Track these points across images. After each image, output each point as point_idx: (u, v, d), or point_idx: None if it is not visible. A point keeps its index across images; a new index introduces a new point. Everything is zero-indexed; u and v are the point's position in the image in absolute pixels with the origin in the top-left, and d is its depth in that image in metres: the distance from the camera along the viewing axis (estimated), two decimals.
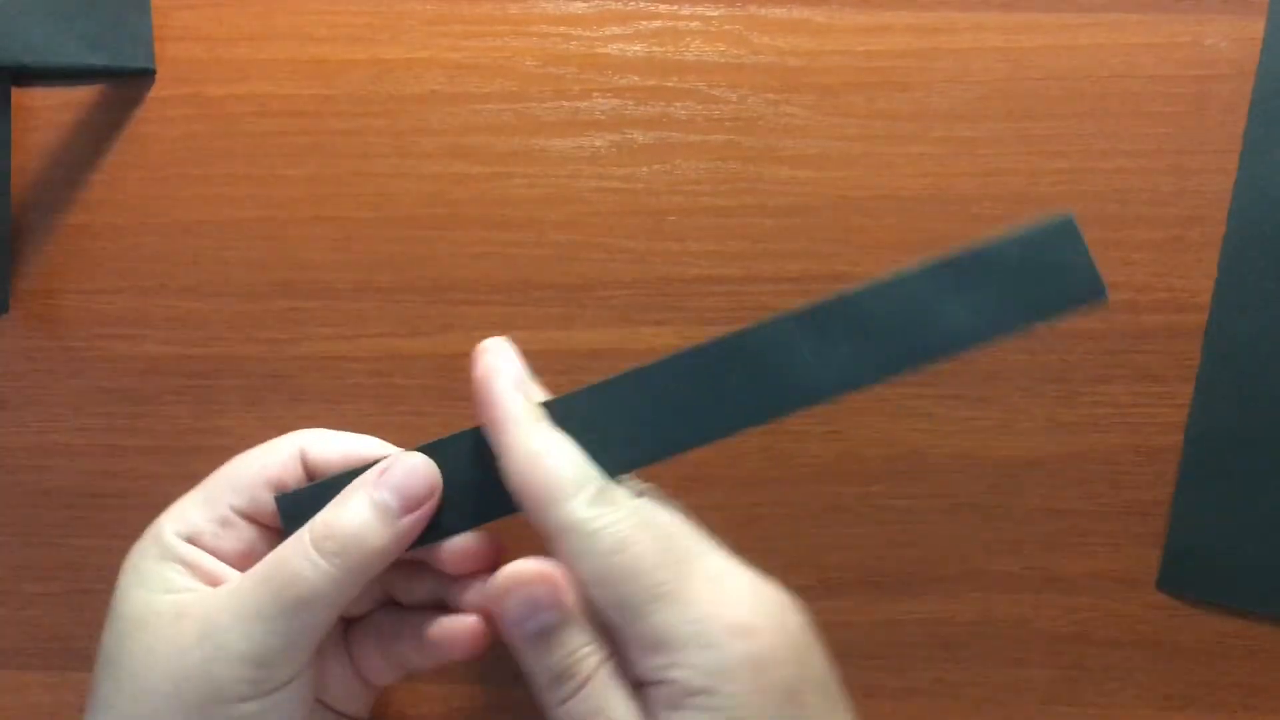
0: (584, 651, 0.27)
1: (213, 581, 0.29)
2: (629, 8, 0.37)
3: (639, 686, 0.26)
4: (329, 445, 0.31)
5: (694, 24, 0.37)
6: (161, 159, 0.37)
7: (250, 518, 0.30)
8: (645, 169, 0.37)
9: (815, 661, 0.27)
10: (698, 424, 0.28)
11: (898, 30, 0.36)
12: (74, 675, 0.37)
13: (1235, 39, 0.36)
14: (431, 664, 0.31)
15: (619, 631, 0.27)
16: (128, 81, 0.37)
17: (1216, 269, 0.36)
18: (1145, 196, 0.36)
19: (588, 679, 0.26)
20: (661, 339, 0.36)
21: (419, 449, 0.30)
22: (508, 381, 0.29)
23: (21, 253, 0.37)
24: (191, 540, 0.29)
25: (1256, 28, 0.36)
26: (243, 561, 0.30)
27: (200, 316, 0.37)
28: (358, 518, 0.28)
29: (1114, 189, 0.36)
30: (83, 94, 0.37)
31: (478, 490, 0.29)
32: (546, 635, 0.27)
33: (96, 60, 0.35)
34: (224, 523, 0.30)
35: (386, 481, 0.29)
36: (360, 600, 0.31)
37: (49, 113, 0.37)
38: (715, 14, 0.37)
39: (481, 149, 0.37)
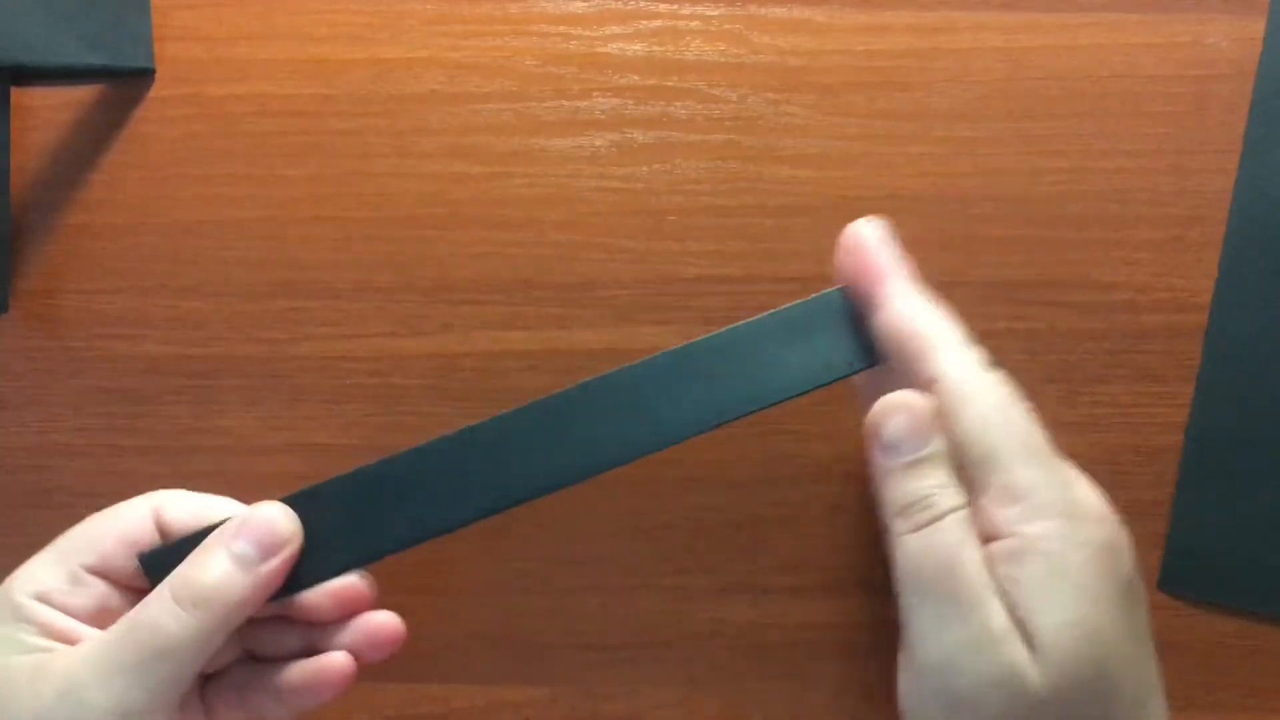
0: (948, 490, 0.27)
1: (68, 640, 0.29)
2: (629, 7, 0.37)
3: (984, 541, 0.27)
4: (182, 505, 0.31)
5: (694, 23, 0.37)
6: (161, 159, 0.37)
7: (102, 574, 0.30)
8: (645, 169, 0.36)
9: (1140, 576, 0.28)
10: (551, 470, 0.30)
11: (898, 30, 0.36)
12: None
13: (1235, 39, 0.36)
14: (291, 713, 0.31)
15: (982, 481, 0.27)
16: (127, 81, 0.37)
17: (1217, 269, 0.36)
18: (1145, 196, 0.36)
19: (945, 513, 0.27)
20: (661, 339, 0.36)
21: (282, 499, 0.30)
22: (885, 244, 0.30)
23: (21, 253, 0.37)
24: (42, 599, 0.29)
25: (1256, 28, 0.36)
26: (96, 619, 0.30)
27: (200, 316, 0.37)
28: (218, 569, 0.28)
29: (1114, 189, 0.36)
30: (83, 94, 0.37)
31: (342, 538, 0.30)
32: (918, 464, 0.27)
33: (96, 60, 0.35)
34: (74, 580, 0.30)
35: (245, 532, 0.29)
36: (218, 654, 0.31)
37: (49, 112, 0.37)
38: (715, 13, 0.37)
39: (481, 149, 0.37)
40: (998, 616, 0.26)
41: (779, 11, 0.37)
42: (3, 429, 0.37)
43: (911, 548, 0.27)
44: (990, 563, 0.26)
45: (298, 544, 0.30)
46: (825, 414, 0.36)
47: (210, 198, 0.37)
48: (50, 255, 0.37)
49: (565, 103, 0.37)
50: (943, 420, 0.28)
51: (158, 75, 0.37)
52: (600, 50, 0.37)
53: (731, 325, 0.30)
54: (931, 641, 0.26)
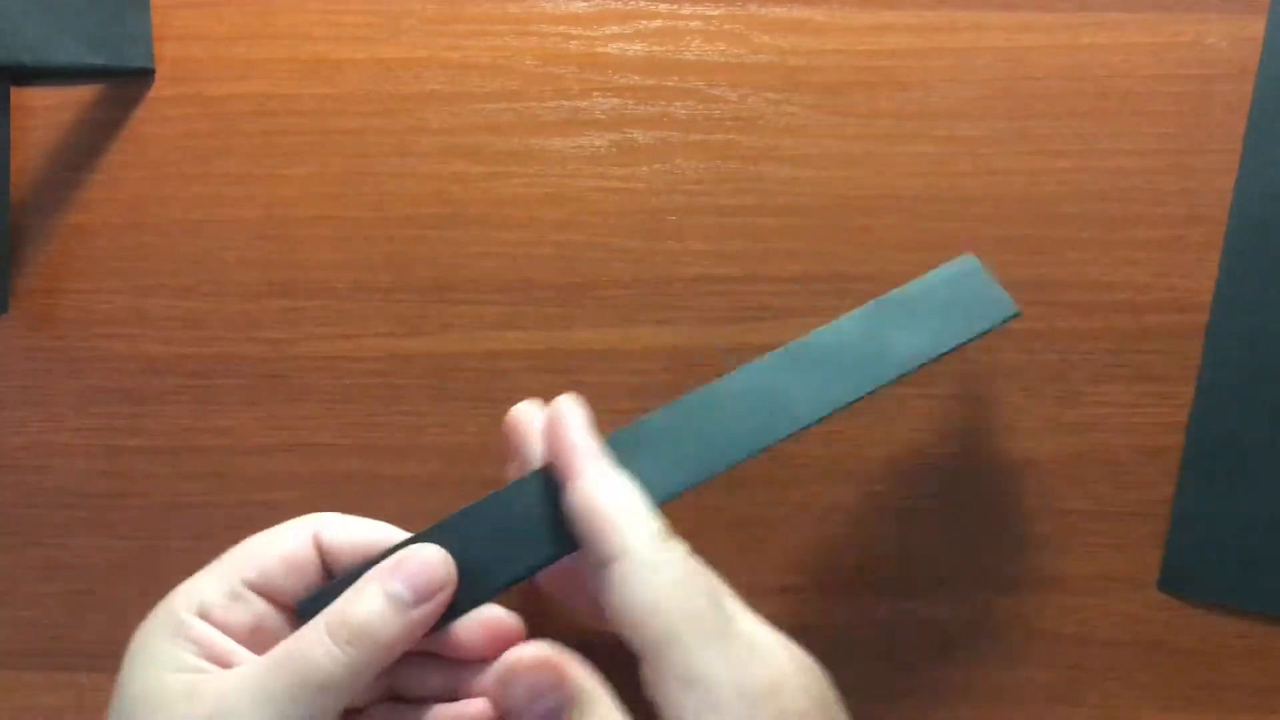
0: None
1: (223, 661, 0.29)
2: (629, 7, 0.37)
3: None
4: (343, 530, 0.31)
5: (694, 23, 0.37)
6: (161, 159, 0.37)
7: (262, 592, 0.30)
8: (645, 169, 0.36)
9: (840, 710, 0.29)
10: (715, 455, 0.30)
11: (898, 30, 0.36)
12: (74, 675, 0.37)
13: (1235, 39, 0.36)
14: None
15: (656, 663, 0.27)
16: (127, 81, 0.37)
17: (1217, 269, 0.36)
18: (1146, 196, 0.36)
19: None
20: (661, 339, 0.36)
21: (433, 532, 0.30)
22: (579, 423, 0.30)
23: (21, 253, 0.37)
24: (202, 615, 0.29)
25: (1256, 28, 0.36)
26: (253, 637, 0.30)
27: (200, 316, 0.37)
28: (372, 608, 0.28)
29: (1114, 189, 0.36)
30: (82, 93, 0.37)
31: (489, 566, 0.30)
32: (555, 716, 0.28)
33: (96, 60, 0.34)
34: (234, 596, 0.30)
35: (400, 573, 0.29)
36: (364, 692, 0.31)
37: (49, 113, 0.37)
38: (715, 13, 0.37)
39: (481, 148, 0.37)
40: None
41: (779, 11, 0.37)
42: (3, 429, 0.37)
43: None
44: None
45: (452, 588, 0.30)
46: None
47: (210, 198, 0.37)
48: (50, 255, 0.37)
49: (565, 103, 0.37)
50: (615, 600, 0.28)
51: (158, 75, 0.37)
52: (600, 50, 0.37)
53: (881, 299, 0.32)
54: None
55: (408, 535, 0.31)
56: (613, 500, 0.28)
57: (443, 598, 0.29)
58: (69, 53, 0.34)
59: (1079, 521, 0.36)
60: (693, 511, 0.36)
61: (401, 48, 0.37)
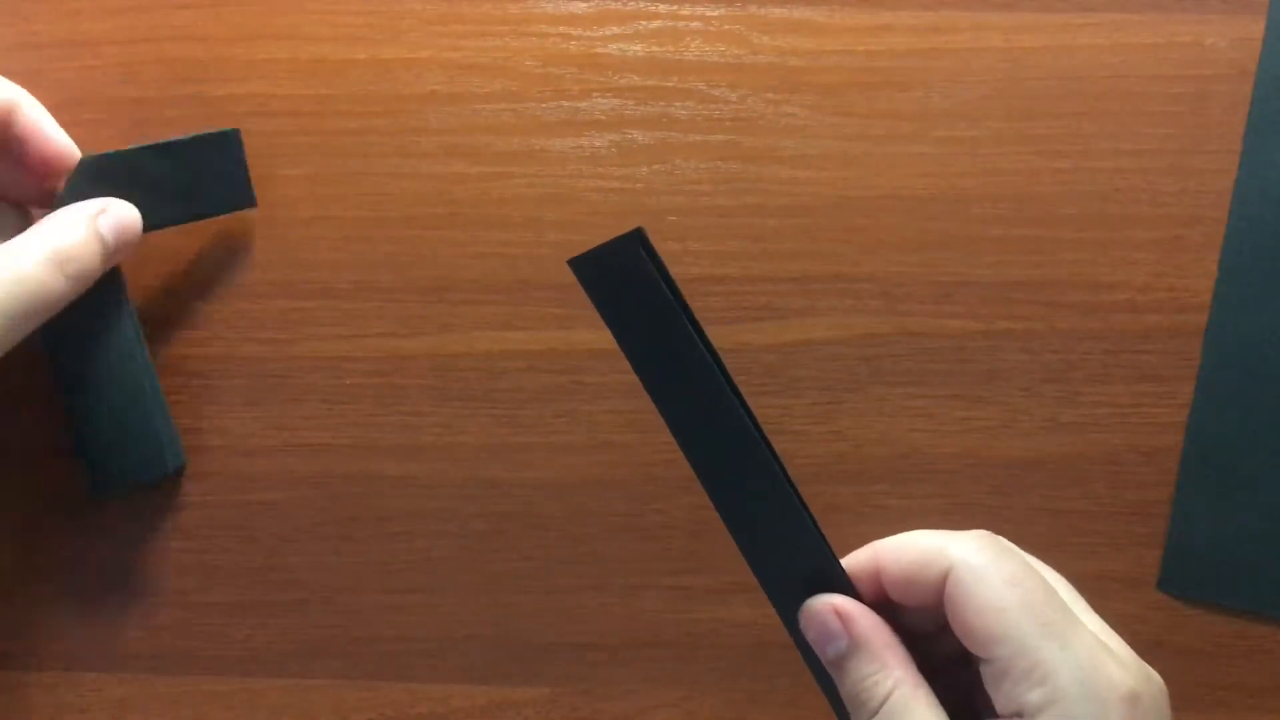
0: (875, 679, 0.27)
1: None
2: (629, 8, 0.37)
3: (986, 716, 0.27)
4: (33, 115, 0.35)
5: (694, 24, 0.37)
6: None
7: None
8: (645, 169, 0.37)
9: None
10: None
11: (898, 30, 0.36)
12: (74, 675, 0.37)
13: (1235, 39, 0.36)
14: None
15: (1004, 663, 0.27)
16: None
17: (1217, 269, 0.36)
18: (1145, 196, 0.36)
19: (880, 703, 0.27)
20: None
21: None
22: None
23: None
24: None
25: (1256, 28, 0.36)
26: None
27: (201, 316, 0.37)
28: (90, 248, 0.33)
29: (1114, 189, 0.36)
30: (80, 96, 0.37)
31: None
32: (839, 662, 0.28)
33: (204, 212, 0.36)
34: None
35: (107, 222, 0.33)
36: None
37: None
38: (715, 14, 0.37)
39: (481, 149, 0.37)
40: None
41: (779, 12, 0.37)
42: (3, 429, 0.37)
43: None
44: None
45: (136, 240, 0.34)
46: (825, 414, 0.36)
47: None
48: None
49: (565, 103, 0.37)
50: (954, 607, 0.27)
51: (157, 75, 0.37)
52: (600, 51, 0.37)
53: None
54: None
55: (20, 92, 0.34)
56: (924, 537, 0.29)
57: (127, 250, 0.34)
58: (179, 215, 0.36)
59: (1078, 521, 0.36)
60: (692, 511, 0.36)
61: (401, 48, 0.37)
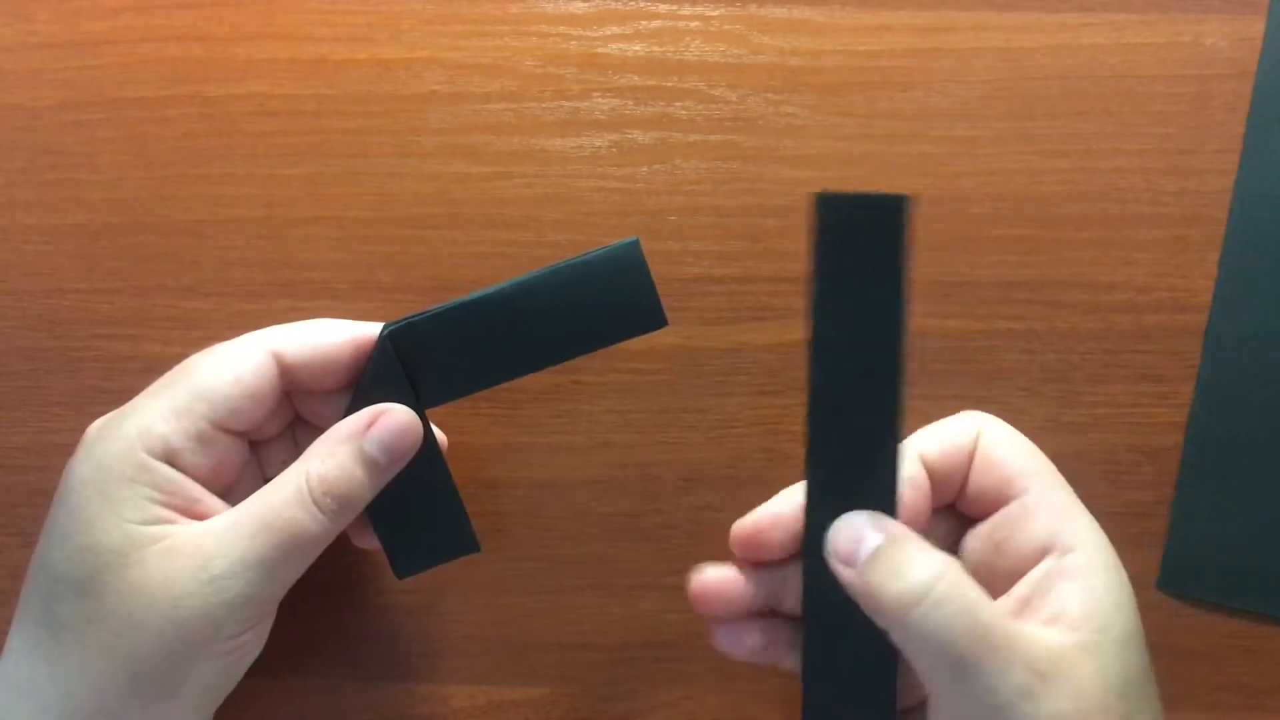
0: (922, 559, 0.27)
1: (191, 511, 0.29)
2: (629, 8, 0.37)
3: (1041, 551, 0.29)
4: (298, 341, 0.31)
5: (694, 24, 0.37)
6: (161, 159, 0.37)
7: (224, 428, 0.30)
8: (645, 169, 0.36)
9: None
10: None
11: (898, 30, 0.36)
12: None
13: (1235, 39, 0.36)
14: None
15: (1025, 497, 0.30)
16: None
17: (1217, 269, 0.36)
18: (1145, 196, 0.36)
19: (933, 583, 0.26)
20: (661, 339, 0.36)
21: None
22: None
23: (21, 252, 0.37)
24: (167, 459, 0.29)
25: (1256, 28, 0.36)
26: (215, 475, 0.30)
27: (200, 316, 0.37)
28: (353, 477, 0.29)
29: (1114, 189, 0.36)
30: (80, 96, 0.37)
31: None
32: (876, 558, 0.27)
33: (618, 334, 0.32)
34: (202, 439, 0.29)
35: (376, 438, 0.30)
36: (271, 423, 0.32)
37: (49, 114, 0.37)
38: (715, 14, 0.37)
39: (481, 149, 0.37)
40: (1034, 652, 0.26)
41: (779, 12, 0.37)
42: (3, 429, 0.37)
43: (928, 628, 0.26)
44: (1047, 586, 0.28)
45: (417, 446, 0.31)
46: None
47: (210, 198, 0.37)
48: (50, 255, 0.37)
49: (565, 103, 0.37)
50: (991, 451, 0.30)
51: (157, 75, 0.37)
52: (600, 50, 0.37)
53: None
54: (981, 700, 0.26)
55: (359, 328, 0.31)
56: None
57: (409, 459, 0.31)
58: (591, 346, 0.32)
59: None
60: (692, 511, 0.36)
61: (401, 48, 0.37)
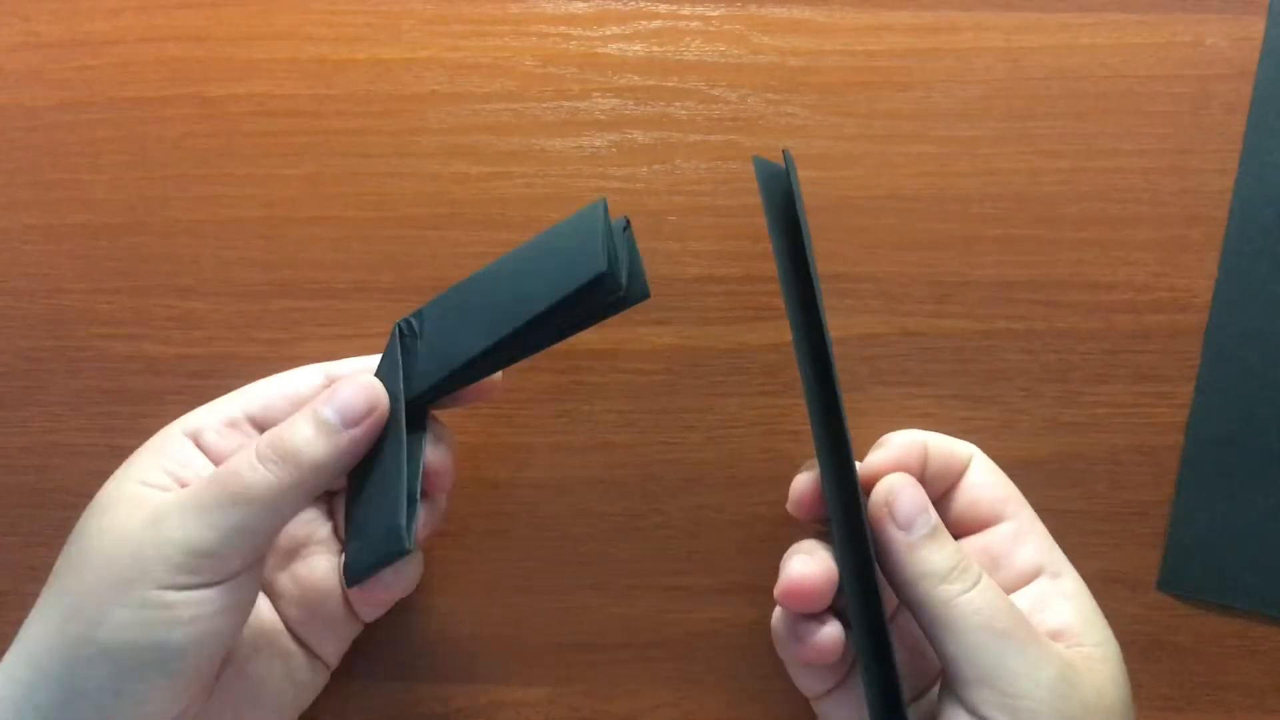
0: (961, 553, 0.30)
1: (192, 480, 0.31)
2: (629, 8, 0.37)
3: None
4: (350, 366, 0.33)
5: (694, 24, 0.37)
6: (162, 159, 0.37)
7: (258, 424, 0.32)
8: (645, 169, 0.36)
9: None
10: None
11: (898, 30, 0.36)
12: None
13: (1235, 39, 0.36)
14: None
15: (1015, 520, 0.33)
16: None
17: (1217, 269, 0.36)
18: (1145, 196, 0.36)
19: (981, 570, 0.29)
20: (661, 339, 0.36)
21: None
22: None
23: (22, 252, 0.37)
24: (193, 436, 0.31)
25: (1256, 28, 0.36)
26: None
27: (200, 316, 0.37)
28: (301, 432, 0.29)
29: (1114, 189, 0.36)
30: (80, 96, 0.37)
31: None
32: (935, 533, 0.30)
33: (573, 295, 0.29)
34: (230, 424, 0.32)
35: (329, 398, 0.30)
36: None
37: (50, 114, 0.37)
38: (715, 14, 0.37)
39: (481, 149, 0.37)
40: (1058, 649, 0.29)
41: (779, 12, 0.37)
42: (3, 429, 0.37)
43: (975, 604, 0.29)
44: (1045, 601, 0.31)
45: (383, 412, 0.30)
46: None
47: (210, 198, 0.37)
48: (50, 255, 0.37)
49: (565, 103, 0.37)
50: (984, 477, 0.33)
51: (157, 75, 0.37)
52: (600, 51, 0.37)
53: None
54: (1025, 680, 0.28)
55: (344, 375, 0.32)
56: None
57: (370, 422, 0.30)
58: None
59: (1078, 521, 0.36)
60: (692, 511, 0.36)
61: (401, 48, 0.37)
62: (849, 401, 0.36)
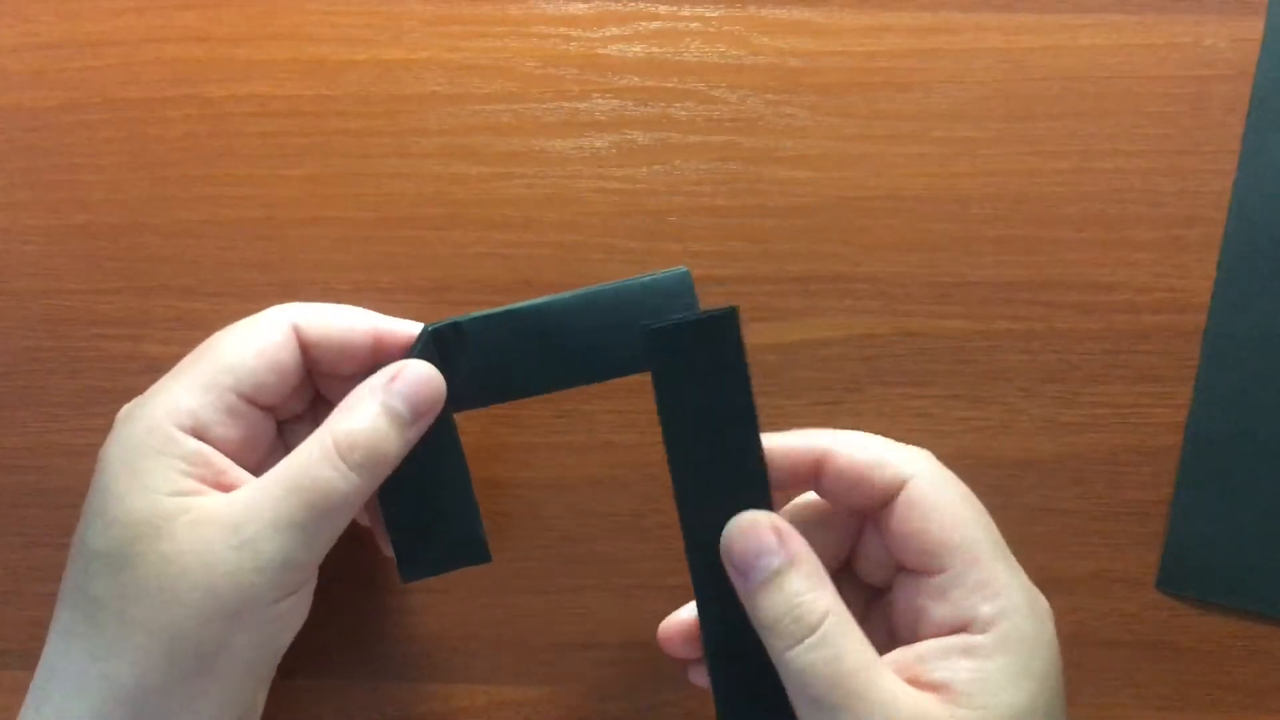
0: (811, 597, 0.27)
1: (219, 482, 0.29)
2: (629, 8, 0.37)
3: (949, 631, 0.27)
4: (320, 319, 0.31)
5: (694, 24, 0.37)
6: (162, 159, 0.37)
7: (250, 400, 0.30)
8: (645, 169, 0.37)
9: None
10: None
11: (898, 30, 0.36)
12: None
13: (1235, 39, 0.36)
14: None
15: (946, 573, 0.27)
16: None
17: (1216, 269, 0.36)
18: (1145, 196, 0.36)
19: (818, 623, 0.26)
20: None
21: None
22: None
23: (21, 252, 0.37)
24: (196, 432, 0.29)
25: (1256, 28, 0.36)
26: (243, 449, 0.30)
27: (200, 317, 0.37)
28: (378, 428, 0.28)
29: (1114, 189, 0.36)
30: (80, 96, 0.37)
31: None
32: (772, 579, 0.27)
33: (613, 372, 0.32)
34: (231, 411, 0.30)
35: (399, 391, 0.29)
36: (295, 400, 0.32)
37: (50, 114, 0.37)
38: (715, 14, 0.37)
39: (481, 149, 0.37)
40: (895, 707, 0.26)
41: (779, 13, 0.37)
42: (3, 429, 0.37)
43: (794, 666, 0.26)
44: (945, 654, 0.27)
45: (440, 407, 0.30)
46: (825, 414, 0.36)
47: (210, 198, 0.37)
48: (50, 255, 0.37)
49: (565, 104, 0.37)
50: (912, 514, 0.28)
51: (158, 76, 0.37)
52: (600, 51, 0.37)
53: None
54: None
55: (389, 323, 0.31)
56: (879, 442, 0.29)
57: (431, 415, 0.30)
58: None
59: (1078, 521, 0.36)
60: None
61: (402, 49, 0.37)
62: (849, 402, 0.36)
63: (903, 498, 0.28)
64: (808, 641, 0.26)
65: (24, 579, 0.37)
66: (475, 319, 0.31)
